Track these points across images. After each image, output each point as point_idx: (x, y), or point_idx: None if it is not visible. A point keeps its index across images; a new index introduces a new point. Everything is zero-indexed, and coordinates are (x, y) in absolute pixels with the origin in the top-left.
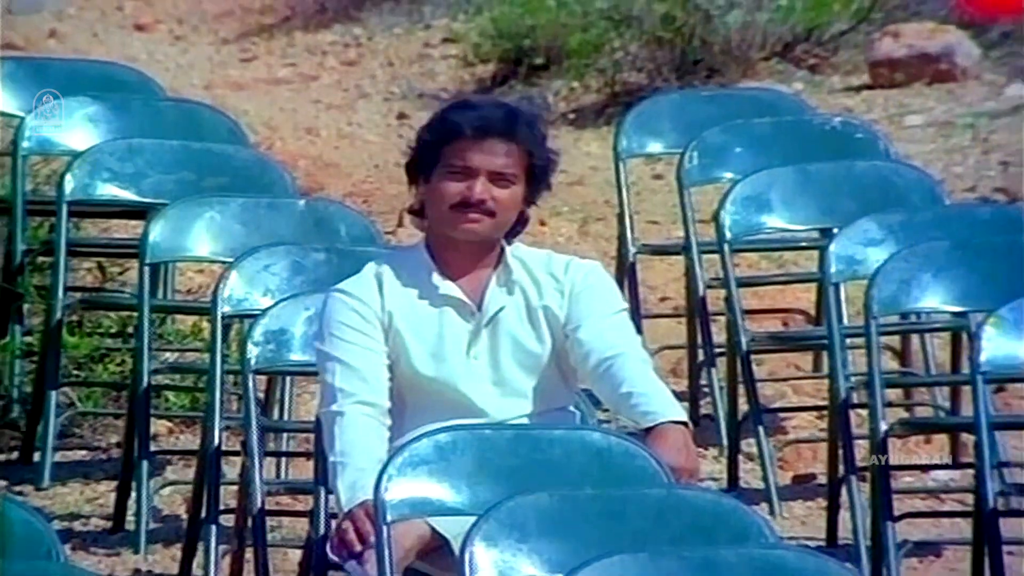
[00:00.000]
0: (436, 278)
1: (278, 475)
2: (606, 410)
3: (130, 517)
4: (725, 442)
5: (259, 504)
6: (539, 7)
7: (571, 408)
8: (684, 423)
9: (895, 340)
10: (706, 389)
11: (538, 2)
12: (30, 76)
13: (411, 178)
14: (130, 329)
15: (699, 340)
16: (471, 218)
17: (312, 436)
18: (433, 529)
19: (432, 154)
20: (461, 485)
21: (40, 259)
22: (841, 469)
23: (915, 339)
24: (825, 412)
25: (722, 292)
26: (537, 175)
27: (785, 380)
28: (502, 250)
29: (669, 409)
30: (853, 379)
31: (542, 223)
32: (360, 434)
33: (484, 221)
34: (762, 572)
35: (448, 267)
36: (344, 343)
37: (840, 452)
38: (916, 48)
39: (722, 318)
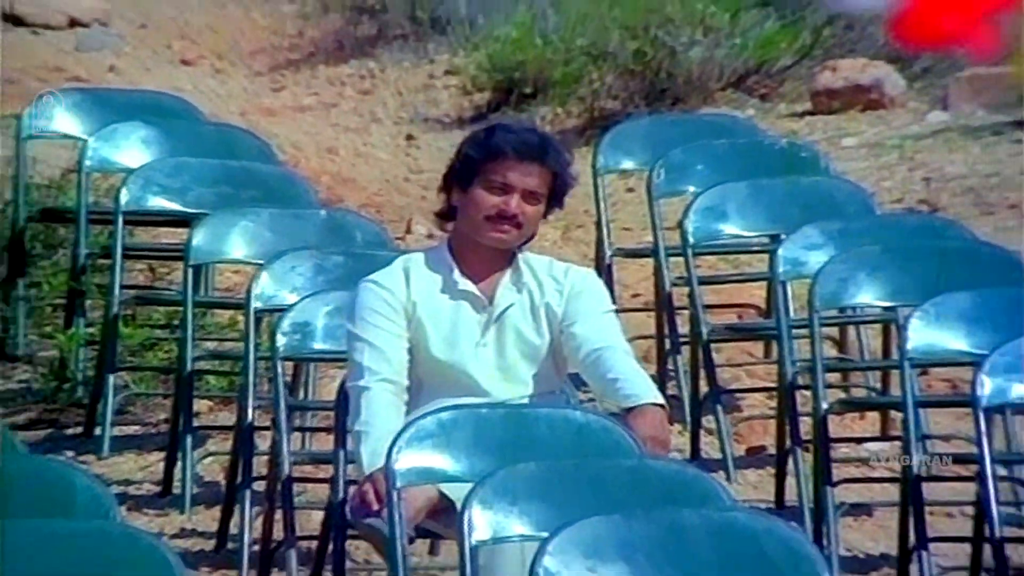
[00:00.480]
0: (456, 275)
1: (303, 447)
2: (587, 391)
3: (176, 483)
4: (688, 419)
5: (287, 472)
6: (528, 44)
7: (560, 392)
8: (661, 405)
9: (834, 331)
10: (672, 373)
11: (527, 40)
12: (92, 104)
13: (446, 185)
14: (176, 321)
15: (666, 331)
16: (503, 229)
17: (332, 413)
18: (442, 494)
19: (473, 168)
20: (460, 456)
21: (100, 261)
22: (788, 442)
23: (851, 330)
24: (774, 393)
25: (686, 290)
26: (557, 195)
27: (740, 365)
28: (514, 255)
29: (648, 393)
30: (798, 364)
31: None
32: (382, 408)
33: (512, 232)
34: (720, 531)
35: (468, 267)
36: (372, 327)
37: (787, 427)
38: (851, 80)
39: (686, 312)
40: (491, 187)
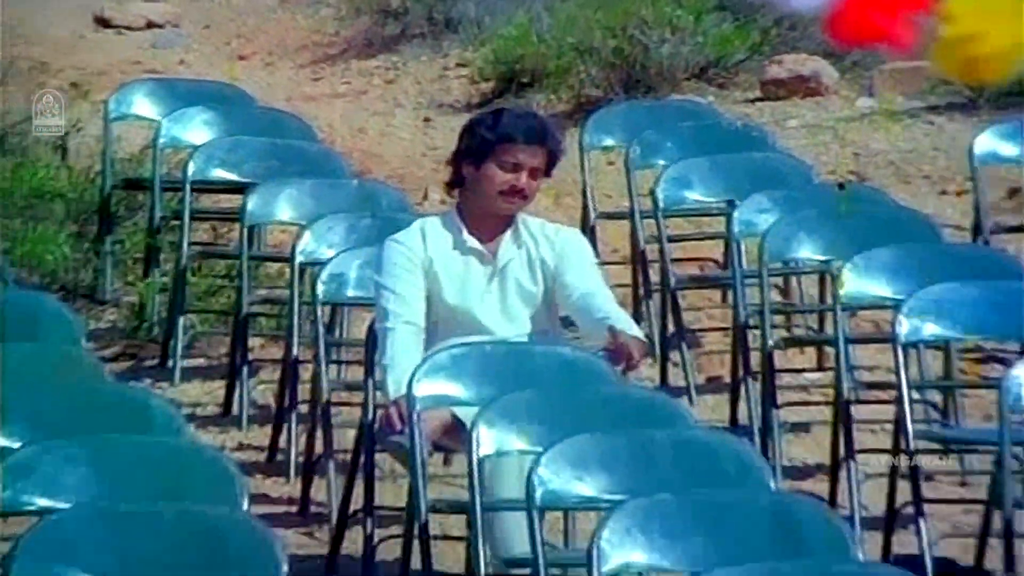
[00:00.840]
0: (465, 235)
1: (338, 377)
2: (574, 332)
3: (234, 406)
4: (658, 353)
5: (325, 397)
6: (526, 42)
7: (553, 332)
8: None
9: (779, 280)
10: (645, 316)
11: (525, 38)
12: (165, 92)
13: (456, 160)
14: (233, 272)
15: (640, 281)
16: (513, 201)
17: (363, 349)
18: (454, 416)
19: (486, 149)
20: (469, 385)
21: (171, 223)
22: (740, 372)
23: (793, 279)
24: (729, 331)
25: (656, 246)
26: (549, 167)
27: (701, 309)
28: (513, 218)
29: (628, 328)
30: (749, 308)
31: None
32: (404, 345)
33: (520, 203)
34: (684, 445)
35: (475, 228)
36: (395, 278)
37: (740, 360)
38: (794, 72)
39: (656, 265)
40: (503, 166)
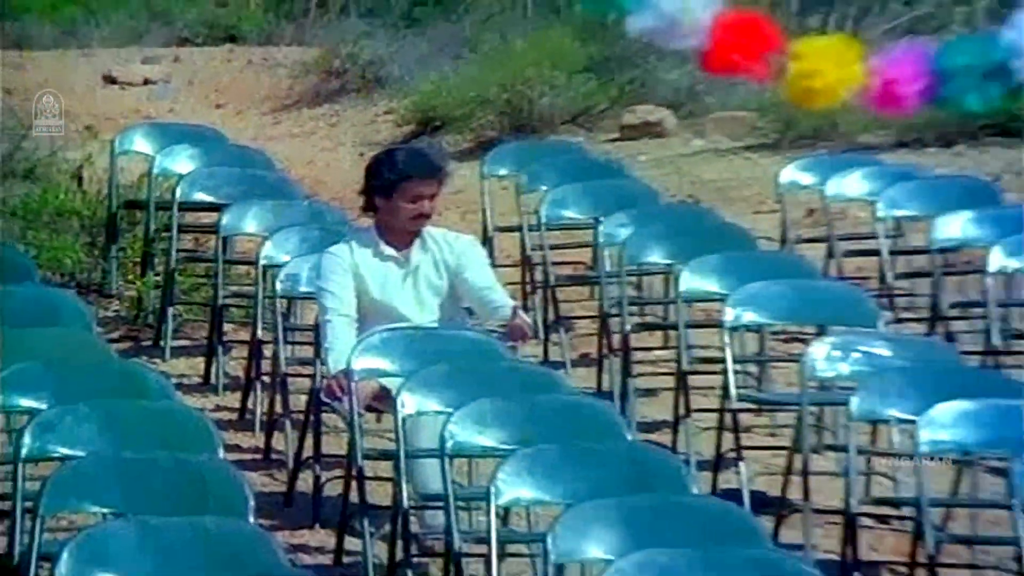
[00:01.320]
0: (383, 246)
1: (292, 354)
2: (475, 319)
3: (212, 377)
4: (541, 336)
5: (283, 369)
6: (438, 95)
7: (458, 319)
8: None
9: (635, 279)
10: (531, 307)
11: (437, 92)
12: (158, 133)
13: (367, 191)
14: (211, 273)
15: (527, 280)
16: (419, 222)
17: (312, 333)
18: (382, 385)
19: (391, 187)
20: (394, 360)
21: (163, 234)
22: (604, 350)
23: (645, 279)
24: (596, 319)
25: (540, 253)
26: (442, 186)
27: (574, 301)
28: (419, 230)
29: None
30: (611, 300)
31: (439, 213)
32: (341, 332)
33: (424, 222)
34: (561, 408)
35: (391, 240)
36: (332, 281)
37: (604, 341)
38: (643, 119)
39: (540, 267)
40: (408, 199)
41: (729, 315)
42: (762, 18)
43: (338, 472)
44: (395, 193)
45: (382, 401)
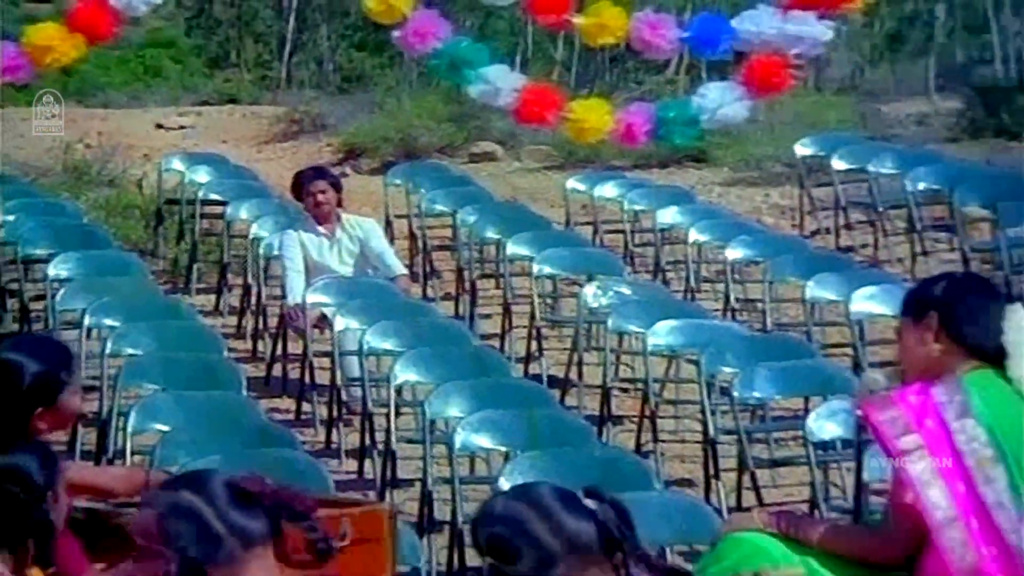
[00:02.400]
0: (316, 228)
1: (269, 292)
2: (377, 273)
3: (220, 308)
4: (421, 283)
5: (263, 301)
6: (358, 136)
7: (368, 271)
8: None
9: (479, 248)
10: (415, 265)
11: (358, 134)
12: (187, 159)
13: (294, 192)
14: (220, 244)
15: (413, 248)
16: (320, 209)
17: (279, 281)
18: (324, 313)
19: (304, 187)
20: (330, 296)
21: (190, 220)
22: (461, 291)
23: (486, 247)
24: (455, 272)
25: (421, 231)
26: (339, 187)
27: (442, 261)
28: (339, 216)
29: (400, 268)
30: (465, 260)
31: (359, 209)
32: (295, 281)
33: (325, 206)
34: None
35: (319, 222)
36: (289, 249)
37: (460, 286)
38: (483, 150)
39: (420, 240)
40: (309, 194)
41: (535, 269)
42: (551, 88)
43: (296, 364)
44: (303, 192)
45: (323, 322)
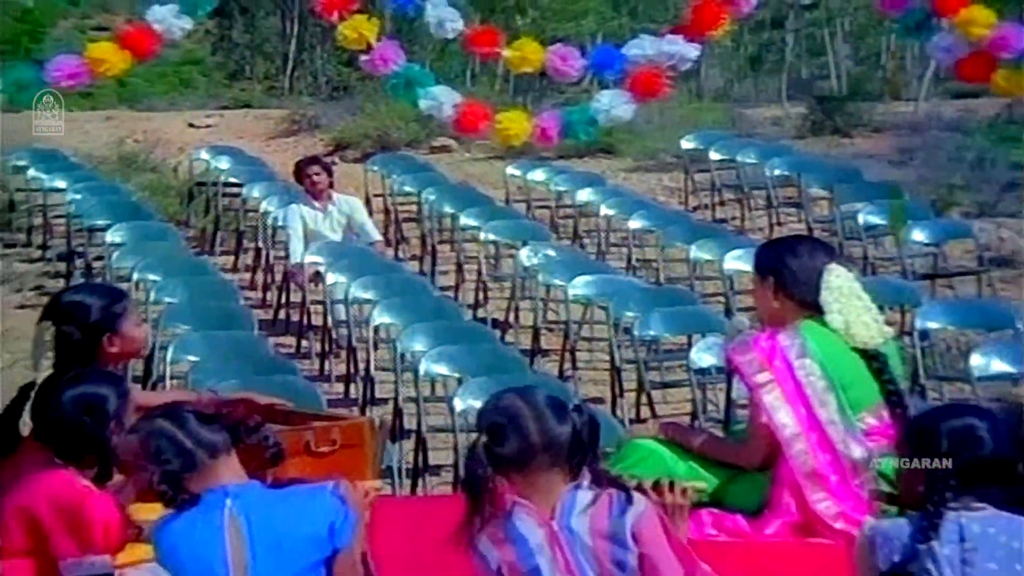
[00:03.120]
0: (312, 202)
1: (275, 253)
2: (359, 238)
3: (239, 266)
4: (393, 247)
5: (271, 261)
6: (345, 133)
7: (351, 237)
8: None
9: (438, 219)
10: (390, 233)
11: (344, 132)
12: (213, 150)
13: (296, 175)
14: (237, 216)
15: (388, 220)
16: (316, 184)
17: (283, 245)
18: (317, 270)
19: (303, 170)
20: (324, 257)
21: (214, 198)
22: (427, 253)
23: (445, 219)
24: (420, 239)
25: (394, 207)
26: (330, 172)
27: (411, 231)
28: (331, 195)
29: (377, 235)
30: (428, 229)
31: (346, 190)
32: (297, 244)
33: (320, 186)
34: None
35: (314, 199)
36: (292, 219)
37: (427, 248)
38: (442, 143)
39: (393, 214)
40: (306, 176)
41: (482, 236)
42: (482, 104)
43: (296, 309)
44: (302, 175)
45: (317, 277)
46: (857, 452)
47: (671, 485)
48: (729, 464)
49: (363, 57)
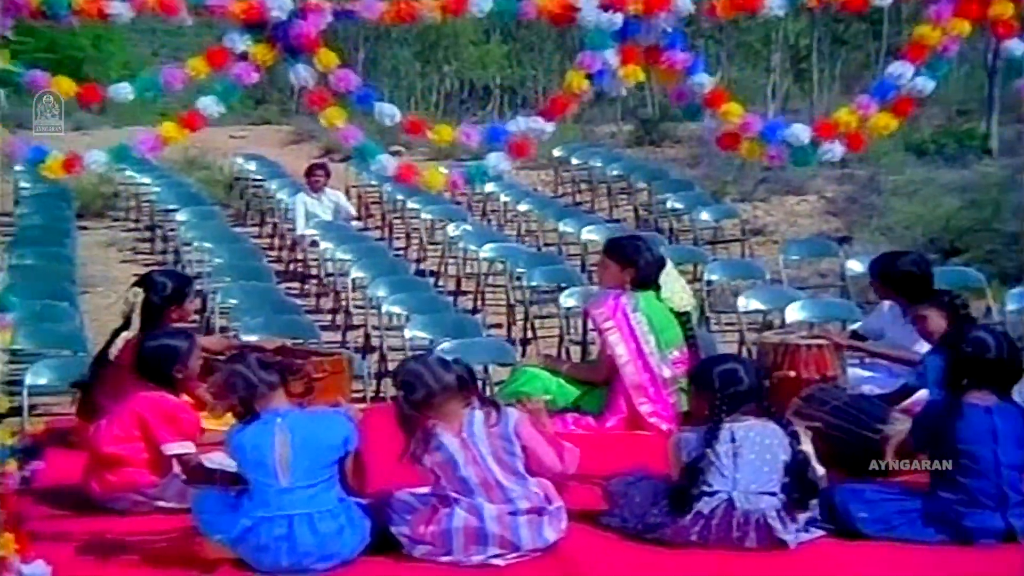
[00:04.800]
0: (313, 194)
1: (286, 228)
2: (344, 219)
3: (264, 236)
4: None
5: (284, 233)
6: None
7: (340, 218)
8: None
9: (401, 205)
10: (373, 220)
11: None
12: (245, 155)
13: (305, 175)
14: (262, 202)
15: (367, 206)
16: (314, 183)
17: (291, 222)
18: (315, 240)
19: (310, 172)
20: (319, 230)
21: (245, 189)
22: (397, 233)
23: (409, 203)
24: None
25: (369, 195)
26: (327, 172)
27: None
28: (325, 188)
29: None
30: (396, 214)
31: (338, 185)
32: (300, 222)
33: (316, 183)
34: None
35: (313, 191)
36: (298, 205)
37: (400, 230)
38: (395, 151)
39: (372, 201)
40: (311, 174)
41: (423, 216)
42: (413, 165)
43: (300, 264)
44: (310, 174)
45: (314, 244)
46: (667, 373)
47: (527, 399)
48: (585, 381)
49: (335, 134)
